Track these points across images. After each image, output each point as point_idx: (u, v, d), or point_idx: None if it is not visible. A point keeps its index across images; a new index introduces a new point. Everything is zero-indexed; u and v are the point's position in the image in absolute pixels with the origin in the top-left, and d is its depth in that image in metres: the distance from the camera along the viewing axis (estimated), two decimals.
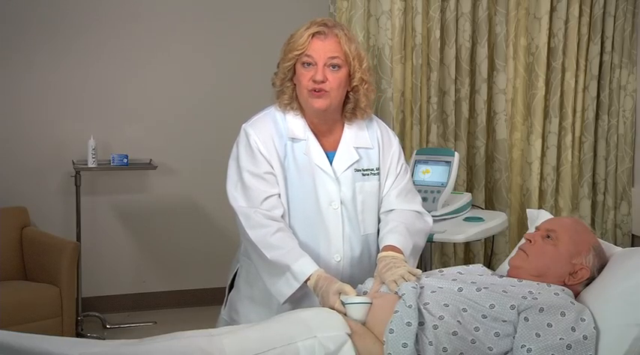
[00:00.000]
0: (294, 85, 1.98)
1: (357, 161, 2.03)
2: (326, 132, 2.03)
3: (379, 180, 2.06)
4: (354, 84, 1.98)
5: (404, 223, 2.00)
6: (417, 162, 2.88)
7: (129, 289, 4.10)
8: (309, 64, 1.92)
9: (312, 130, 2.01)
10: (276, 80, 2.01)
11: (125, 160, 3.79)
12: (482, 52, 3.36)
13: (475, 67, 3.39)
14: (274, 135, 1.98)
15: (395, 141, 2.12)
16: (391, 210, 2.06)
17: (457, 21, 3.30)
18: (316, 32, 1.92)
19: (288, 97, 2.00)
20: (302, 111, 2.01)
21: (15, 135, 3.85)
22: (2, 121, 3.82)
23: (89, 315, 3.83)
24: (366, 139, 2.06)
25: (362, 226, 2.03)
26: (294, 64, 1.95)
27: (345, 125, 2.05)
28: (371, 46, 3.18)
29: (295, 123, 2.00)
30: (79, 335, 3.62)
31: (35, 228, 3.73)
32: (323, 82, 1.91)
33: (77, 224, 3.74)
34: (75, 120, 3.92)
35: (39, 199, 3.87)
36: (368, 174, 2.04)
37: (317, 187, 1.98)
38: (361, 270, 2.02)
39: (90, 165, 3.73)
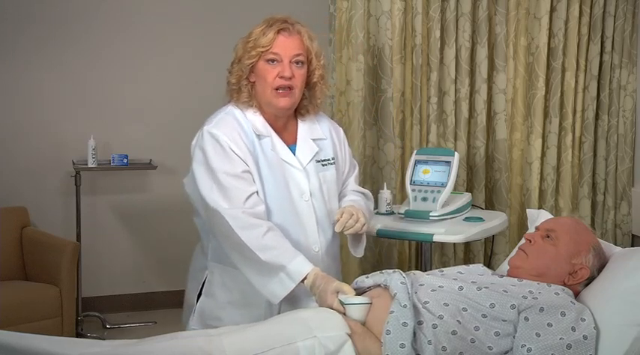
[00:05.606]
0: (252, 82, 1.99)
1: (317, 152, 2.07)
2: (282, 128, 2.05)
3: (336, 168, 2.12)
4: (314, 80, 2.02)
5: (362, 200, 2.17)
6: (417, 162, 2.87)
7: (129, 289, 4.09)
8: (274, 60, 1.94)
9: (270, 126, 2.03)
10: (232, 78, 2.01)
11: (125, 160, 3.79)
12: (482, 52, 3.36)
13: (475, 67, 3.39)
14: (241, 133, 1.97)
15: (341, 131, 2.21)
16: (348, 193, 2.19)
17: (457, 21, 3.30)
18: (281, 29, 1.94)
19: (247, 95, 2.00)
20: (260, 108, 2.01)
21: (15, 135, 3.85)
22: (2, 121, 3.82)
23: (89, 315, 3.83)
24: (319, 131, 2.11)
25: (330, 215, 2.06)
26: (256, 62, 1.96)
27: (299, 120, 2.09)
28: (371, 46, 3.18)
29: (256, 120, 2.01)
30: (79, 335, 3.62)
31: (35, 228, 3.73)
32: (290, 78, 1.93)
33: (77, 224, 3.74)
34: (75, 120, 3.92)
35: (39, 199, 3.87)
36: (326, 164, 2.09)
37: (288, 181, 2.00)
38: (335, 259, 2.11)
39: (90, 165, 3.73)
